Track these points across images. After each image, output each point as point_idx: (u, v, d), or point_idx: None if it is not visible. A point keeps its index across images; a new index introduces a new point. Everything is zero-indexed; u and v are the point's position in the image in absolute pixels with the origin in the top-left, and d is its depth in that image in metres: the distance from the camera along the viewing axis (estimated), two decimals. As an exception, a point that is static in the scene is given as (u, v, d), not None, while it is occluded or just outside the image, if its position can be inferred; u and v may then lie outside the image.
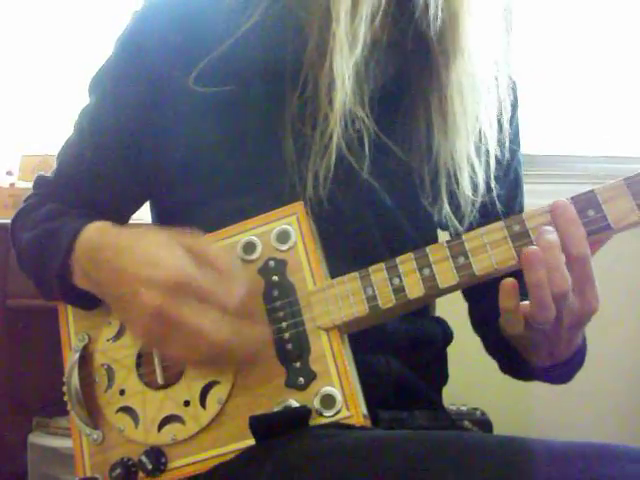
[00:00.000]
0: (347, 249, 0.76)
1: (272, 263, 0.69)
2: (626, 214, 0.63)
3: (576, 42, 2.01)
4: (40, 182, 0.88)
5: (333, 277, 0.69)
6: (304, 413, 0.64)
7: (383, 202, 0.78)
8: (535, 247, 0.63)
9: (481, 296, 0.84)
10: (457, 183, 0.78)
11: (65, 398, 0.74)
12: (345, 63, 0.71)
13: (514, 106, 0.87)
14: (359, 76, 0.73)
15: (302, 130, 0.74)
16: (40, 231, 0.78)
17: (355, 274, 0.67)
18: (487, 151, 0.80)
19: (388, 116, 0.78)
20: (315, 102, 0.73)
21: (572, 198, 0.65)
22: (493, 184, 0.81)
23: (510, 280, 0.65)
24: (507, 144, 0.84)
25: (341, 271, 0.68)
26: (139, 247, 0.67)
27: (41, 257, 0.76)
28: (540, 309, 0.64)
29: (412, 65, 0.79)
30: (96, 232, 0.72)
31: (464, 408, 1.78)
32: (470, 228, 0.78)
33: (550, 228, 0.63)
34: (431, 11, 0.73)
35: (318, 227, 0.73)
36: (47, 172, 0.89)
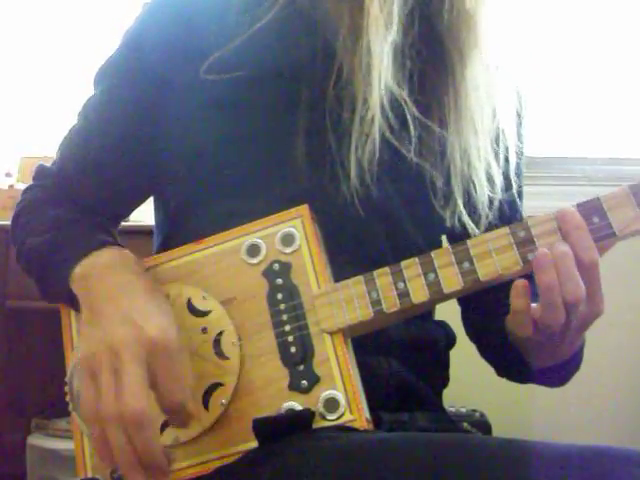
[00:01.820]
0: (397, 234, 0.77)
1: (276, 266, 0.69)
2: (631, 222, 0.63)
3: (576, 43, 2.01)
4: (42, 173, 0.88)
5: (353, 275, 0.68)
6: (307, 416, 0.63)
7: (435, 184, 0.77)
8: (546, 250, 0.63)
9: (475, 301, 0.83)
10: (473, 182, 0.76)
11: (67, 399, 0.74)
12: (382, 40, 0.70)
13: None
14: (396, 58, 0.72)
15: (341, 117, 0.73)
16: (48, 239, 0.78)
17: (360, 278, 0.67)
18: (506, 147, 0.79)
19: (424, 98, 0.76)
20: (352, 87, 0.72)
21: (577, 205, 0.65)
22: (514, 180, 0.80)
23: (521, 281, 0.65)
24: (525, 138, 0.83)
25: (357, 269, 0.68)
26: (131, 301, 0.66)
27: (47, 267, 0.77)
28: (550, 312, 0.64)
29: (428, 61, 0.77)
30: (91, 269, 0.72)
31: (463, 410, 1.78)
32: (489, 230, 0.76)
33: (563, 242, 0.63)
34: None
35: (366, 215, 0.73)
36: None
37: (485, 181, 0.77)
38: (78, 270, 0.72)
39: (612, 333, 1.85)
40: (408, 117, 0.73)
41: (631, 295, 1.91)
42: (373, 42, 0.70)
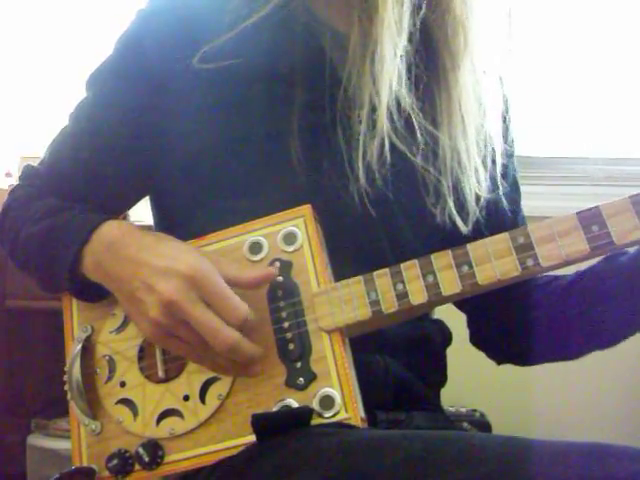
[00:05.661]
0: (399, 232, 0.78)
1: (277, 264, 0.70)
2: (629, 231, 0.64)
3: (575, 42, 2.01)
4: (29, 173, 0.88)
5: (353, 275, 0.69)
6: (306, 413, 0.64)
7: (438, 187, 0.78)
8: None
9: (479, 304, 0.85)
10: (462, 182, 0.78)
11: (65, 387, 0.74)
12: (394, 48, 0.72)
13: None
14: (403, 64, 0.74)
15: (349, 121, 0.74)
16: (47, 224, 0.78)
17: (359, 278, 0.68)
18: (493, 149, 0.81)
19: (422, 102, 0.78)
20: (359, 93, 0.74)
21: (577, 213, 0.65)
22: (500, 181, 0.82)
23: None
24: (512, 141, 0.85)
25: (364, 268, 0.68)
26: (162, 246, 0.69)
27: (51, 249, 0.76)
28: None
29: (424, 66, 0.79)
30: (119, 228, 0.74)
31: (463, 409, 1.78)
32: (477, 228, 0.79)
33: None
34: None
35: (377, 214, 0.74)
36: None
37: (474, 179, 0.79)
38: (88, 248, 0.73)
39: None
40: (415, 123, 0.75)
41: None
42: (386, 50, 0.71)
